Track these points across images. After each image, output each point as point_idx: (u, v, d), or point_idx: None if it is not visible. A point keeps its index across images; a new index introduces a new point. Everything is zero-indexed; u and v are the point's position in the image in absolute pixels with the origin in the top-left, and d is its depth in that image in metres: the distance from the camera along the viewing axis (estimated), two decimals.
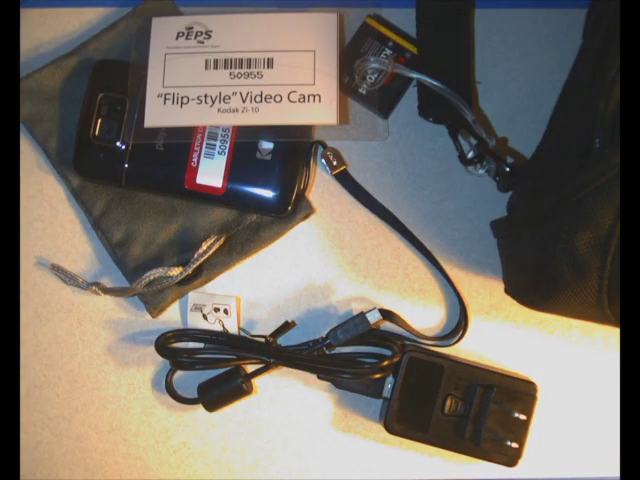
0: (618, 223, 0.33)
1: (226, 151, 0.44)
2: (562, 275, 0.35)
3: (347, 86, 0.46)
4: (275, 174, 0.44)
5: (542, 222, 0.36)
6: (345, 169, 0.47)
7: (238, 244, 0.46)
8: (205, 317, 0.46)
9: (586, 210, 0.33)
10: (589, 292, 0.35)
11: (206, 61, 0.44)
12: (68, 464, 0.47)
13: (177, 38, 0.45)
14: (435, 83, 0.44)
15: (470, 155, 0.44)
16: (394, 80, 0.46)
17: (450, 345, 0.46)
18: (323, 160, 0.47)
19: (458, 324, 0.46)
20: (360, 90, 0.46)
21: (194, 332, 0.45)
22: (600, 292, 0.34)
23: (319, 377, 0.45)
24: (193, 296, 0.46)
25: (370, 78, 0.46)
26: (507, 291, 0.43)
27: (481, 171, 0.44)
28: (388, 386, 0.44)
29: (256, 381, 0.47)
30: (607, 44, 0.35)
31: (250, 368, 0.45)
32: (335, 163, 0.46)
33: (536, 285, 0.37)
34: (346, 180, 0.47)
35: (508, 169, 0.43)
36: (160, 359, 0.46)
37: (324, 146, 0.47)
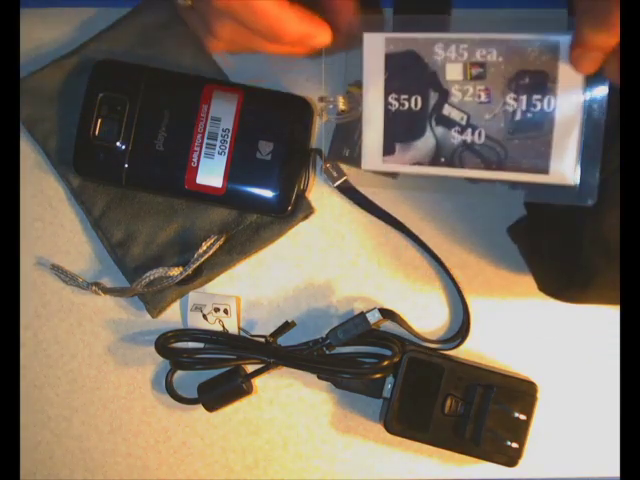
0: None
1: (226, 151, 0.44)
2: (593, 263, 0.35)
3: (349, 158, 0.45)
4: (275, 174, 0.44)
5: (565, 215, 0.36)
6: (347, 180, 0.46)
7: (238, 244, 0.46)
8: (205, 317, 0.46)
9: (608, 193, 0.33)
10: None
11: None
12: (68, 464, 0.47)
13: None
14: None
15: None
16: None
17: (451, 349, 0.46)
18: (324, 174, 0.46)
19: (460, 328, 0.46)
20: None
21: (194, 332, 0.45)
22: None
23: (319, 377, 0.45)
24: (193, 296, 0.46)
25: None
26: (542, 290, 0.42)
27: None
28: (388, 386, 0.44)
29: (256, 381, 0.47)
30: None
31: (250, 368, 0.45)
32: (335, 174, 0.46)
33: (571, 279, 0.37)
34: (349, 191, 0.46)
35: None
36: (160, 359, 0.46)
37: (322, 157, 0.46)
